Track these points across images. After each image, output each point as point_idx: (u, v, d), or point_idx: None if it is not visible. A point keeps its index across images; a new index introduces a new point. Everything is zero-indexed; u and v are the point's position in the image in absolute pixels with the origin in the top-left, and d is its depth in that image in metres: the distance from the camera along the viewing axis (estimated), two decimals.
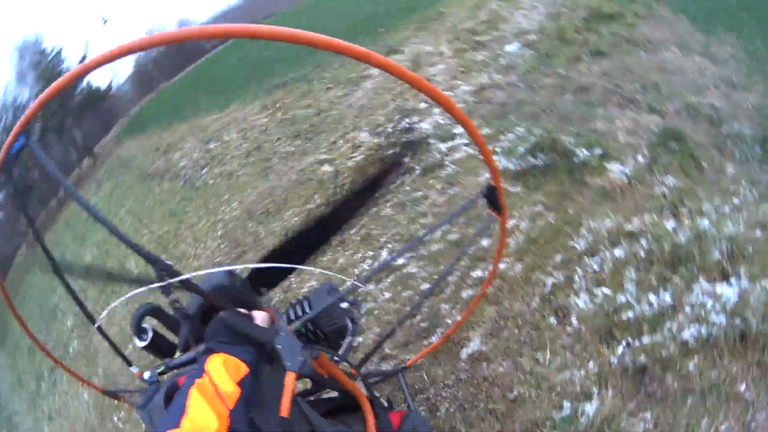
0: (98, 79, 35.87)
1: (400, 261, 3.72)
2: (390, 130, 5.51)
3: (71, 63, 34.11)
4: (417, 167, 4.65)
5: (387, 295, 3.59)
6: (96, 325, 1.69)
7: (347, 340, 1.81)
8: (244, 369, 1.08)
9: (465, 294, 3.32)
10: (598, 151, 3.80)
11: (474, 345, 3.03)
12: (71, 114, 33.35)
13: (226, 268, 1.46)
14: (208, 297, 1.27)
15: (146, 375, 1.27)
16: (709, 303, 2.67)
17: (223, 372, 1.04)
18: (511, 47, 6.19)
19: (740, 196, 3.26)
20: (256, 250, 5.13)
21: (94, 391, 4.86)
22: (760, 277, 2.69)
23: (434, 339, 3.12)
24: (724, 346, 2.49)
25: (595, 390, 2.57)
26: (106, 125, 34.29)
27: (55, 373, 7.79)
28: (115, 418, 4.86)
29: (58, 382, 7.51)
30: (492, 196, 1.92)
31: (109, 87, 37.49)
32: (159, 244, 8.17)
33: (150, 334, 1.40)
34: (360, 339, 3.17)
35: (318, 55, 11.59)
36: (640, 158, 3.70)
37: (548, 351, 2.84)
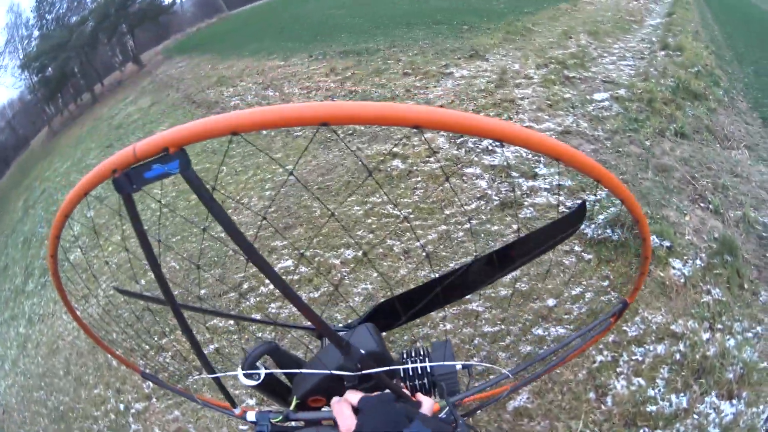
0: None
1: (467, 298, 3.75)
2: (471, 145, 5.44)
3: None
4: (494, 196, 4.61)
5: (448, 326, 3.68)
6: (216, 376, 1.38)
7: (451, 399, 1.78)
8: None
9: (522, 349, 3.42)
10: (666, 243, 3.89)
11: (521, 399, 3.18)
12: (127, 19, 33.03)
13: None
14: (390, 385, 1.10)
15: (250, 416, 1.17)
16: (712, 416, 2.95)
17: None
18: (601, 96, 6.07)
19: (764, 325, 3.45)
20: (308, 227, 5.13)
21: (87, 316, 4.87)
22: (755, 403, 2.97)
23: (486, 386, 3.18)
24: None
25: None
26: (159, 38, 33.94)
27: (47, 276, 7.72)
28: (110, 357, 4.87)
29: (49, 287, 7.51)
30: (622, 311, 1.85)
31: (173, 2, 36.97)
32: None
33: (262, 376, 1.24)
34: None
35: (391, 33, 11.38)
36: (698, 262, 3.81)
37: (581, 422, 3.01)
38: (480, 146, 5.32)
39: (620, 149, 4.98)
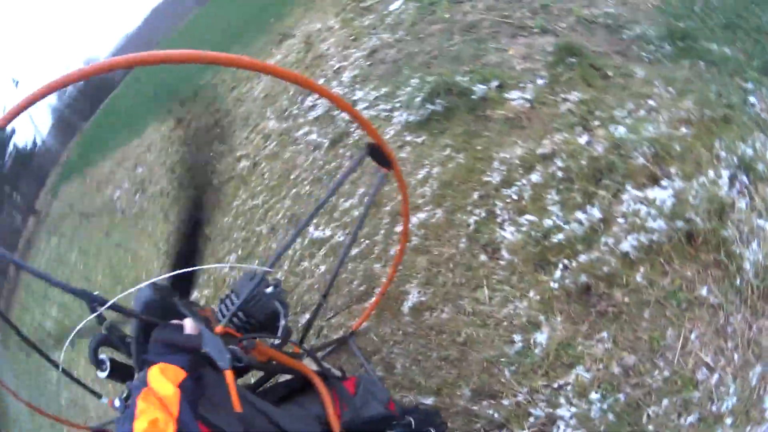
0: (21, 139, 33.66)
1: (328, 232, 3.45)
2: (296, 111, 5.10)
3: None
4: (324, 140, 4.30)
5: (322, 268, 3.34)
6: (60, 369, 1.62)
7: (281, 322, 1.70)
8: (182, 373, 1.11)
9: (393, 250, 3.07)
10: (494, 83, 3.53)
11: (413, 297, 2.82)
12: (5, 181, 31.40)
13: (143, 284, 1.42)
14: (138, 316, 1.31)
15: (116, 403, 1.24)
16: (643, 209, 2.49)
17: (162, 378, 1.07)
18: (395, 5, 5.78)
19: (655, 96, 3.04)
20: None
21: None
22: (695, 174, 2.51)
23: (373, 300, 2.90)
24: (671, 251, 2.32)
25: (542, 318, 2.42)
26: (41, 181, 32.33)
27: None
28: None
29: None
30: (377, 153, 1.82)
31: (34, 143, 35.16)
32: (113, 277, 7.74)
33: (108, 364, 1.37)
34: (308, 316, 2.90)
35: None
36: (539, 81, 3.44)
37: (486, 288, 2.65)
38: (303, 107, 5.00)
39: (421, 35, 4.67)
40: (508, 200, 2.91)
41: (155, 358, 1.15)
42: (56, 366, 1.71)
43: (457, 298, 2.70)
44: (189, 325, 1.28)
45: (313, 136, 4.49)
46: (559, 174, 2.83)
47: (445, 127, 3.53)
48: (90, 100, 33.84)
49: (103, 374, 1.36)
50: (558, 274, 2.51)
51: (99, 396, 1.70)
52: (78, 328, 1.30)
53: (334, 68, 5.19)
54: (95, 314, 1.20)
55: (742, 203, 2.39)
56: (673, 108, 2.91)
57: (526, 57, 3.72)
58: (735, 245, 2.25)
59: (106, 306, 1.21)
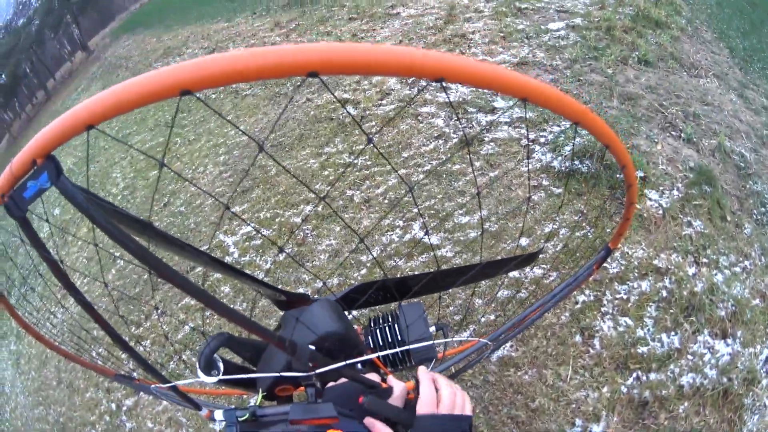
0: None
1: (435, 241, 3.26)
2: (423, 83, 4.81)
3: None
4: (454, 135, 4.05)
5: (416, 273, 3.18)
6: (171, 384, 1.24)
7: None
8: None
9: (500, 294, 2.96)
10: (639, 173, 3.41)
11: (505, 349, 2.79)
12: (70, 10, 30.96)
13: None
14: (354, 377, 0.97)
15: (218, 415, 0.98)
16: (707, 356, 2.66)
17: None
18: (556, 26, 5.43)
19: (751, 259, 3.11)
20: (266, 188, 4.53)
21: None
22: (750, 344, 2.69)
23: (465, 335, 2.84)
24: (709, 398, 2.50)
25: (604, 413, 2.53)
26: (104, 22, 31.70)
27: (27, 287, 7.15)
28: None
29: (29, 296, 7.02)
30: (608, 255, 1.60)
31: None
32: (147, 160, 7.38)
33: (221, 369, 1.10)
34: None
35: None
36: (675, 193, 3.36)
37: (570, 368, 2.69)
38: (433, 83, 4.70)
39: (581, 78, 4.40)
40: (616, 295, 2.91)
41: (333, 413, 0.84)
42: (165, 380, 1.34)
43: (542, 367, 2.70)
44: (398, 390, 0.96)
45: (439, 122, 4.24)
46: (664, 293, 2.88)
47: (584, 191, 3.39)
48: None
49: (211, 380, 1.13)
50: (630, 381, 2.62)
51: (198, 408, 1.36)
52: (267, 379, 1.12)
53: (477, 57, 4.88)
54: (304, 375, 0.95)
55: (765, 381, 2.59)
56: (759, 277, 3.03)
57: (671, 160, 3.59)
58: (746, 412, 2.48)
59: (322, 370, 0.91)
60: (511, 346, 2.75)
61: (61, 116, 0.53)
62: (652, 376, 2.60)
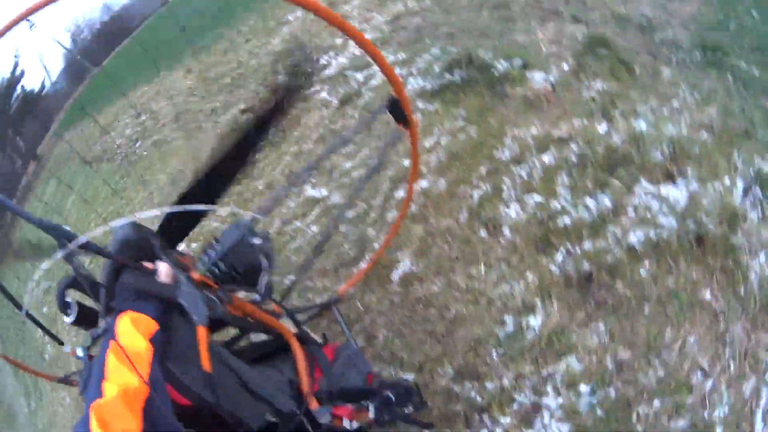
0: (30, 82, 32.96)
1: (324, 192, 3.31)
2: (309, 70, 4.93)
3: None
4: (334, 100, 4.14)
5: (315, 228, 3.19)
6: (23, 311, 1.50)
7: (264, 278, 1.54)
8: (154, 325, 1.02)
9: (390, 216, 2.93)
10: (518, 61, 3.38)
11: (404, 266, 2.68)
12: (10, 124, 31.08)
13: (124, 220, 1.28)
14: (110, 255, 1.15)
15: (79, 352, 1.13)
16: (655, 205, 2.42)
17: (133, 330, 0.98)
18: None
19: (680, 98, 2.95)
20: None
21: (75, 392, 4.37)
22: (711, 179, 2.43)
23: (363, 265, 2.77)
24: (679, 250, 2.25)
25: (538, 302, 2.33)
26: (45, 126, 31.94)
27: (39, 386, 7.12)
28: None
29: (43, 393, 6.98)
30: (396, 110, 1.70)
31: (42, 86, 34.47)
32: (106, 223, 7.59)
33: (75, 308, 1.22)
34: (292, 277, 2.78)
35: (235, 13, 10.71)
36: (564, 66, 3.31)
37: (482, 265, 2.53)
38: (317, 66, 4.83)
39: (449, 7, 4.50)
40: (516, 178, 2.79)
41: (123, 305, 1.05)
42: (19, 307, 1.59)
43: (450, 272, 2.57)
44: (163, 270, 1.15)
45: (324, 95, 4.33)
46: (573, 159, 2.72)
47: (460, 98, 3.38)
48: (104, 44, 33.32)
49: (69, 319, 1.23)
50: (560, 258, 2.41)
51: (61, 343, 1.53)
52: (45, 266, 1.22)
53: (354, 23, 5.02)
54: (64, 251, 1.06)
55: (753, 215, 2.33)
56: (696, 113, 2.84)
57: (554, 42, 3.57)
58: (743, 255, 2.19)
59: (76, 242, 1.04)
60: (410, 261, 2.66)
61: None
62: (587, 245, 2.39)
